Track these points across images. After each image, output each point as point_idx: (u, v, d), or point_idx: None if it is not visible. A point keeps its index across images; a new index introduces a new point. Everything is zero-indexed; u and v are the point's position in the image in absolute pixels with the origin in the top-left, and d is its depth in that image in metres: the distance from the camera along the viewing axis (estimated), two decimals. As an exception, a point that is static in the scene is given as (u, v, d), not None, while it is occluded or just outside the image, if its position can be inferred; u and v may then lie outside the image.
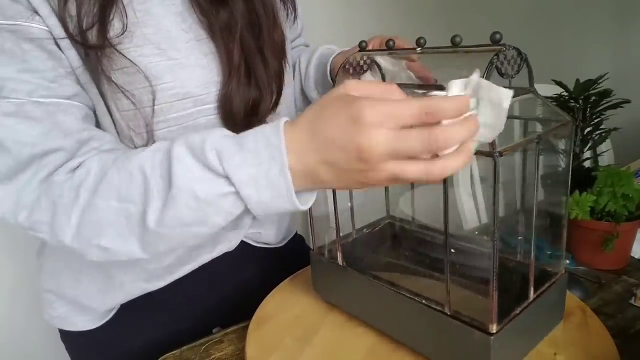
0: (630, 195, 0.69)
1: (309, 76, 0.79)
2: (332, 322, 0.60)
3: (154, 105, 0.56)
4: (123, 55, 0.52)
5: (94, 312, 0.70)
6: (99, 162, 0.49)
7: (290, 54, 0.72)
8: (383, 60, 0.59)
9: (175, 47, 0.56)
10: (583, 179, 0.80)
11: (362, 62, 0.59)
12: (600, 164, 0.98)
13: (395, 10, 1.56)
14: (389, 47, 0.54)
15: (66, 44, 0.51)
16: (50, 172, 0.49)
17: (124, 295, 0.68)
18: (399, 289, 0.51)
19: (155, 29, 0.55)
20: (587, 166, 0.86)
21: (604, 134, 0.84)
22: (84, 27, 0.50)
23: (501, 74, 0.43)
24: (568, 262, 0.75)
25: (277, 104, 0.64)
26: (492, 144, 0.40)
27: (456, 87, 0.39)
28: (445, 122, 0.37)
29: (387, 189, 0.69)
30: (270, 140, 0.41)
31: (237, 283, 0.76)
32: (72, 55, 0.52)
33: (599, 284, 0.70)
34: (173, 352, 0.63)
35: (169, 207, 0.44)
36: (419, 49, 0.50)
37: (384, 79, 0.61)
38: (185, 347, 0.63)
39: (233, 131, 0.48)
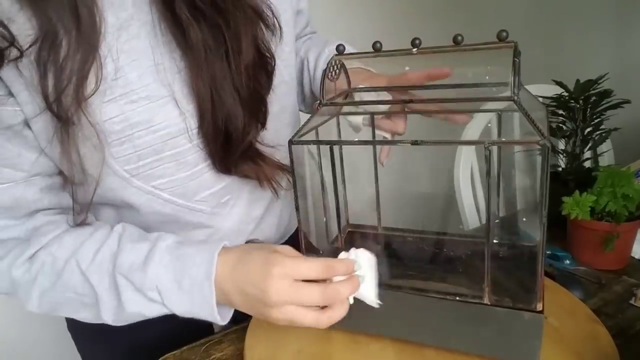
0: (630, 195, 0.69)
1: (316, 79, 0.77)
2: (340, 347, 0.56)
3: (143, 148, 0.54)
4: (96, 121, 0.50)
5: None
6: (52, 257, 0.54)
7: (290, 67, 0.67)
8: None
9: (164, 83, 0.53)
10: (583, 179, 0.80)
11: (336, 67, 0.58)
12: (600, 164, 0.98)
13: (393, 10, 1.56)
14: (376, 49, 0.53)
15: (38, 119, 0.49)
16: (5, 253, 0.54)
17: None
18: (427, 292, 0.52)
19: (141, 69, 0.52)
20: (587, 166, 0.86)
21: (604, 134, 0.84)
22: (61, 95, 0.47)
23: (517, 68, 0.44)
24: (568, 262, 0.75)
25: (263, 124, 0.60)
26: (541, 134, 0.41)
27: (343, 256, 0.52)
28: (335, 278, 0.48)
29: (345, 197, 0.68)
30: (203, 291, 0.51)
31: None
32: (39, 128, 0.50)
33: (599, 284, 0.70)
34: (173, 352, 0.63)
35: (119, 315, 0.55)
36: (415, 49, 0.50)
37: (349, 85, 0.61)
38: (185, 347, 0.63)
39: (215, 158, 0.58)
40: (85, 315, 0.56)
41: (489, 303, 0.48)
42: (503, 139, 0.50)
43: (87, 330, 0.72)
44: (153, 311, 0.53)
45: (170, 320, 0.72)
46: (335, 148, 0.59)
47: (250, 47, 0.56)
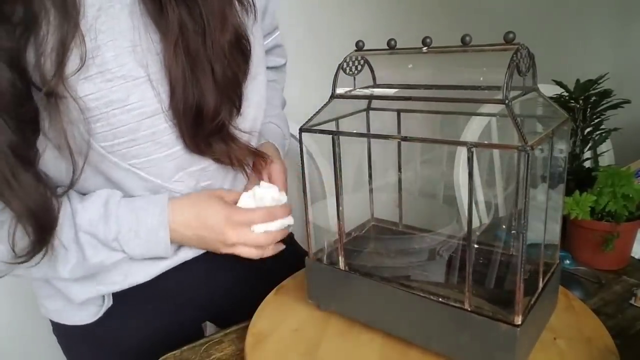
0: (630, 195, 0.69)
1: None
2: (334, 331, 0.58)
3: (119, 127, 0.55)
4: (78, 98, 0.51)
5: (84, 305, 0.69)
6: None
7: (262, 58, 0.68)
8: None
9: (141, 64, 0.54)
10: (583, 179, 0.80)
11: (356, 62, 0.59)
12: (600, 164, 0.98)
13: (394, 10, 1.56)
14: (390, 47, 0.54)
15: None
16: None
17: (104, 287, 0.67)
18: (412, 289, 0.51)
19: (119, 49, 0.53)
20: (587, 166, 0.86)
21: (604, 134, 0.84)
22: (43, 71, 0.48)
23: (519, 72, 0.44)
24: (568, 262, 0.75)
25: (238, 109, 0.62)
26: (524, 139, 0.41)
27: (245, 197, 0.67)
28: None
29: (371, 192, 0.68)
30: (158, 235, 0.61)
31: (229, 277, 0.77)
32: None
33: (599, 284, 0.70)
34: (173, 352, 0.63)
35: (78, 268, 0.59)
36: (425, 48, 0.50)
37: (374, 81, 0.61)
38: (185, 347, 0.63)
39: (185, 136, 0.60)
40: (36, 271, 0.58)
41: (468, 309, 0.47)
42: (485, 142, 0.50)
43: (74, 333, 0.71)
44: (113, 259, 0.60)
45: (152, 322, 0.72)
46: (347, 143, 0.59)
47: (228, 27, 0.57)
